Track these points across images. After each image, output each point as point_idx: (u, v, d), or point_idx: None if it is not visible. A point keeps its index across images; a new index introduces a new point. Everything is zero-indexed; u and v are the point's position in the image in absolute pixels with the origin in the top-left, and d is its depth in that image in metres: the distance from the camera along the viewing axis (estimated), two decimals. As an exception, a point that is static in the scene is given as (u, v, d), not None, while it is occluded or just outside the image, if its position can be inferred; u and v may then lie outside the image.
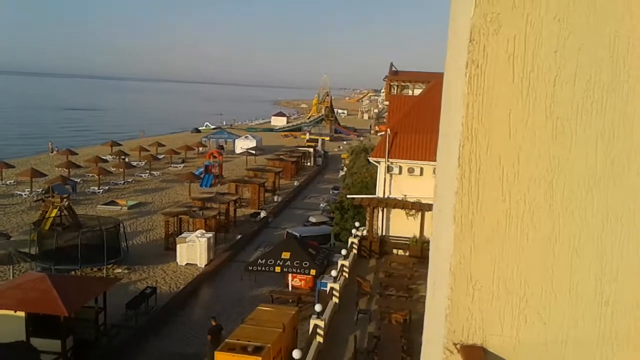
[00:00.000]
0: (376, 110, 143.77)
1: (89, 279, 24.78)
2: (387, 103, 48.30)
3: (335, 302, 20.21)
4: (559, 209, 0.94)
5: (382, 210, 27.25)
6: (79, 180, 47.52)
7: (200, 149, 70.02)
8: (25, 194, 43.10)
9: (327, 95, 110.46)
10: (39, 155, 65.35)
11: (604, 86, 0.91)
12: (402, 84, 54.48)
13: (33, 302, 17.96)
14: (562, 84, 0.91)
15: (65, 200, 30.15)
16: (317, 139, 77.06)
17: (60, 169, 50.71)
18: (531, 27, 0.90)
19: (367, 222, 27.55)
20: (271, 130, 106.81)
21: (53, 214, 29.20)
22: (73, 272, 26.63)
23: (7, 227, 33.88)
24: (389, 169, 26.54)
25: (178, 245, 29.21)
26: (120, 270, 27.63)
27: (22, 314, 17.77)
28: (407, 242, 26.61)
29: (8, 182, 46.91)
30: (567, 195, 0.94)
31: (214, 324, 19.61)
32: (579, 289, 0.95)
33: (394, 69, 57.41)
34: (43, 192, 40.11)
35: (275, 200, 45.30)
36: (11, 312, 17.67)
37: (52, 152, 65.69)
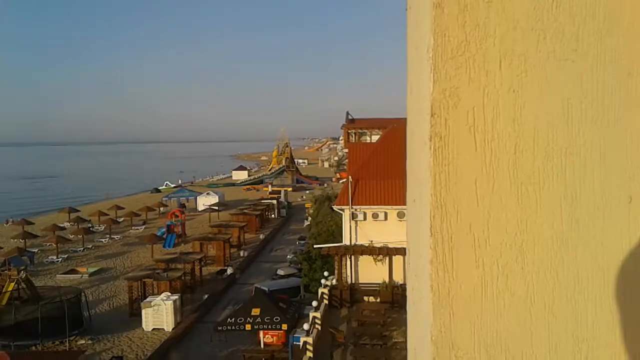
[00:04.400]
0: (336, 158, 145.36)
1: (51, 354, 23.74)
2: (346, 150, 49.00)
3: (310, 357, 19.80)
4: (531, 271, 0.95)
5: (350, 258, 27.19)
6: (36, 251, 45.91)
7: (161, 209, 68.93)
8: (-21, 269, 41.26)
9: (287, 146, 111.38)
10: (-8, 228, 63.12)
11: (562, 150, 0.96)
12: (360, 131, 55.48)
13: (-9, 384, 17.00)
14: (522, 151, 0.95)
15: (22, 272, 29.05)
16: (280, 191, 77.03)
17: (16, 240, 49.05)
18: (488, 98, 0.94)
19: (335, 271, 27.39)
20: (233, 184, 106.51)
21: (10, 288, 28.00)
22: (34, 348, 25.43)
23: (-39, 305, 32.24)
24: (353, 216, 26.65)
25: (143, 311, 28.29)
26: (83, 342, 26.50)
27: (-21, 398, 16.78)
28: (377, 288, 26.49)
29: (-40, 258, 44.85)
30: (538, 256, 0.95)
31: None
32: (557, 349, 0.96)
33: (350, 117, 58.59)
34: (-2, 265, 38.55)
35: (242, 255, 44.68)
36: (-33, 398, 16.65)
37: (6, 223, 63.57)
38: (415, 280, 1.10)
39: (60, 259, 44.47)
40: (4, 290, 28.17)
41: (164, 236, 49.75)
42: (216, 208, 64.13)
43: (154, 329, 27.83)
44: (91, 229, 55.79)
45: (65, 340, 25.98)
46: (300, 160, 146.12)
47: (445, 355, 0.96)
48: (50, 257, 44.94)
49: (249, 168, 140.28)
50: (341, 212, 27.25)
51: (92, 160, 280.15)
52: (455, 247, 0.96)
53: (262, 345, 24.16)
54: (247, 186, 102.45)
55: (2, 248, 44.18)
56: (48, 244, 48.43)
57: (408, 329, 1.19)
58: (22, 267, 30.68)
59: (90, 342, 26.54)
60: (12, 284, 28.16)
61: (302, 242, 43.96)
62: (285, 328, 22.77)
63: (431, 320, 0.96)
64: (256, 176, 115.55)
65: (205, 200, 70.28)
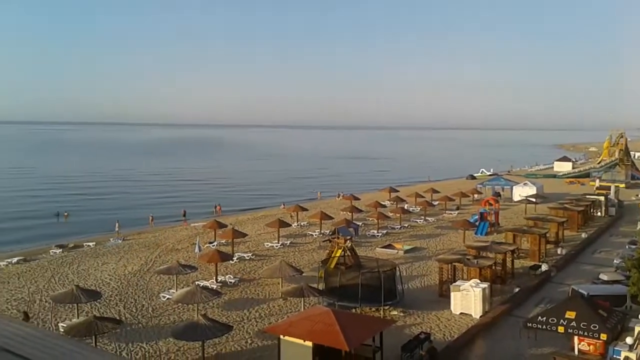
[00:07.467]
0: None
1: (367, 318, 25.90)
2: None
3: (635, 376, 17.32)
4: None
5: (697, 272, 22.70)
6: (360, 224, 50.96)
7: (475, 195, 69.01)
8: (315, 235, 48.06)
9: (622, 136, 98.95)
10: (327, 200, 72.59)
11: None
12: None
13: (319, 334, 19.54)
14: None
15: (348, 241, 32.44)
16: (610, 186, 69.03)
17: (344, 212, 55.34)
18: None
19: (675, 285, 23.24)
20: (554, 176, 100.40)
21: (338, 254, 31.63)
22: (353, 310, 28.24)
23: (301, 263, 38.09)
24: None
25: (452, 294, 28.78)
26: (395, 313, 28.35)
27: (309, 343, 19.47)
28: None
29: (302, 224, 52.97)
30: None
31: None
32: None
33: None
34: (330, 233, 44.13)
35: (559, 253, 41.61)
36: (301, 341, 19.53)
37: (338, 197, 72.24)
38: None
39: (380, 234, 48.50)
40: (332, 255, 32.02)
41: (476, 223, 49.74)
42: (533, 200, 61.14)
43: (461, 313, 28.10)
44: (408, 209, 59.25)
45: (380, 308, 28.24)
46: (638, 154, 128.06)
47: None
48: (371, 231, 49.42)
49: (574, 159, 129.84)
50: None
51: (416, 144, 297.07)
52: None
53: (576, 352, 22.13)
54: (571, 179, 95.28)
55: (333, 218, 50.45)
56: (370, 219, 53.37)
57: None
58: (348, 237, 34.27)
59: (401, 314, 28.25)
60: (340, 250, 31.78)
61: (633, 246, 38.65)
62: (605, 338, 20.37)
63: None
64: (582, 169, 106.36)
65: (522, 191, 67.64)
